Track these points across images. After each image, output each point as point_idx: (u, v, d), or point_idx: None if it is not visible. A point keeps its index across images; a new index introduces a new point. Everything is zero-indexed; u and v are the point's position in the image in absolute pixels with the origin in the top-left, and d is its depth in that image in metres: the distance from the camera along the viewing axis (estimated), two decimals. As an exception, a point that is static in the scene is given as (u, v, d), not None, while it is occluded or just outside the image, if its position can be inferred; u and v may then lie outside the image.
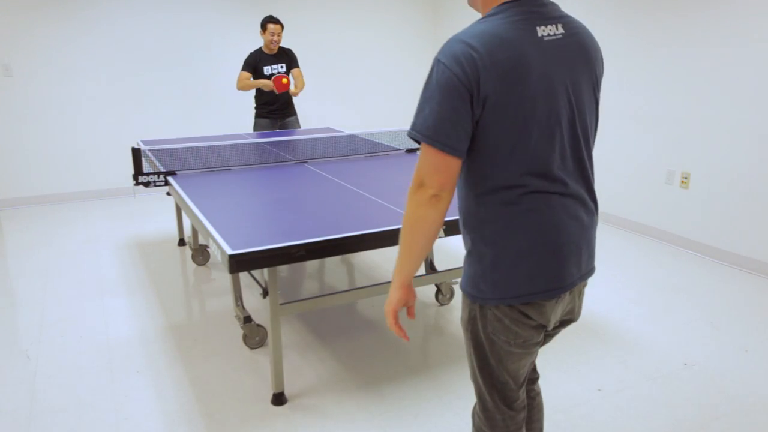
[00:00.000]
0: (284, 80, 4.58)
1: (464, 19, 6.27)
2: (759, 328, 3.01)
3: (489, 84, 1.21)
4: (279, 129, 4.96)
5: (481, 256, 1.34)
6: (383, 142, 4.17)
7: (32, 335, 2.96)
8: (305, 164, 3.50)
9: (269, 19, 4.57)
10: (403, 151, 3.89)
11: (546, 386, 2.50)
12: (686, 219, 4.18)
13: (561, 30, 1.28)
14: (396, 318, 1.42)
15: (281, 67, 4.75)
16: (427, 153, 1.25)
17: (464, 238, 1.42)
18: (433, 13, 6.82)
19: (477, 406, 1.53)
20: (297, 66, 4.84)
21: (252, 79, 4.67)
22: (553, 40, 1.26)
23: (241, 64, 5.94)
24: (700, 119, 4.00)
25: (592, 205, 1.40)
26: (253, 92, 5.10)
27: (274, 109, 4.86)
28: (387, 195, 2.72)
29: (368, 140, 4.30)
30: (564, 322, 1.49)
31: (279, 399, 2.38)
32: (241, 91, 5.01)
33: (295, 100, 5.26)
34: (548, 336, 1.54)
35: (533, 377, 1.65)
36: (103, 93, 5.55)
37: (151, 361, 2.71)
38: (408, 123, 6.94)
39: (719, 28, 3.79)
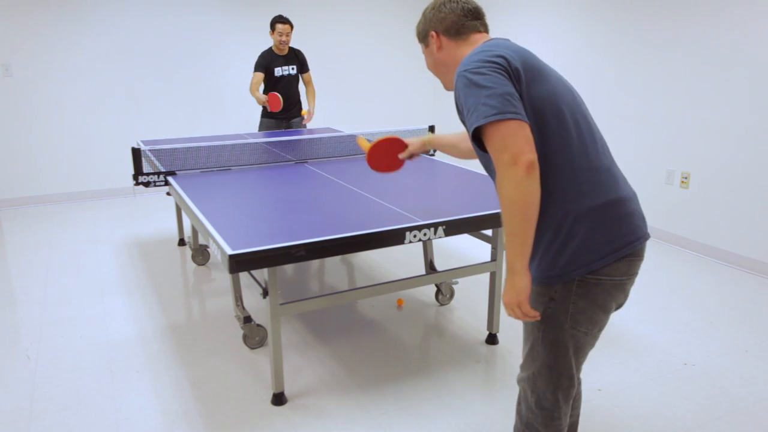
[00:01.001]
0: (280, 100, 4.58)
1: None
2: (759, 328, 3.01)
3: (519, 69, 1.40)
4: (284, 126, 4.95)
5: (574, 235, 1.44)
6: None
7: (32, 335, 2.96)
8: (305, 164, 3.50)
9: (278, 19, 4.52)
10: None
11: (546, 386, 2.50)
12: (686, 219, 4.18)
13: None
14: (527, 302, 1.40)
15: (292, 69, 4.72)
16: (500, 134, 1.32)
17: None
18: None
19: (531, 405, 1.57)
20: (308, 70, 4.82)
21: (264, 79, 4.65)
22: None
23: (241, 64, 5.99)
24: (699, 119, 4.00)
25: None
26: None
27: (280, 110, 4.83)
28: (387, 195, 2.72)
29: (368, 140, 4.30)
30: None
31: (279, 399, 2.38)
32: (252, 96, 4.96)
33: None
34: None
35: None
36: (103, 93, 5.55)
37: (150, 361, 2.71)
38: (408, 123, 6.94)
39: (719, 28, 3.79)
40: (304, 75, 4.84)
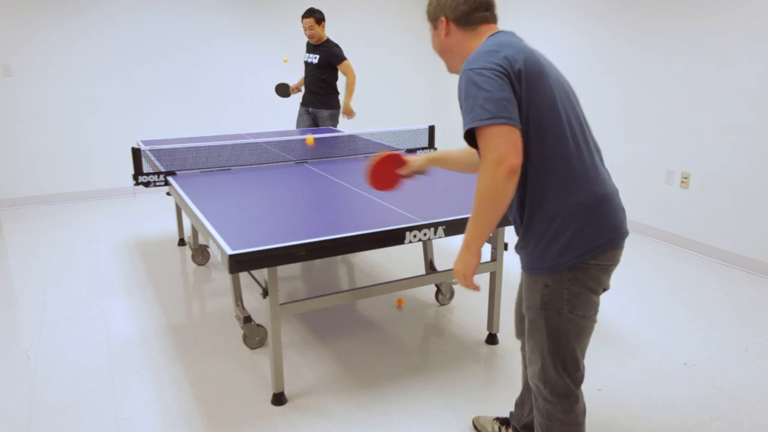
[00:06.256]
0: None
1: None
2: (759, 328, 3.01)
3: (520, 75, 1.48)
4: (312, 120, 5.09)
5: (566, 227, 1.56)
6: (383, 142, 4.17)
7: (32, 335, 2.96)
8: (305, 164, 3.50)
9: (303, 14, 4.80)
10: (404, 151, 3.89)
11: (546, 386, 2.50)
12: (686, 219, 4.18)
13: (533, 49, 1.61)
14: (472, 277, 1.58)
15: (314, 57, 4.91)
16: (492, 136, 1.40)
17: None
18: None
19: (547, 396, 1.64)
20: (342, 60, 4.84)
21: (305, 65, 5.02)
22: (535, 51, 1.58)
23: (242, 64, 6.00)
24: (699, 119, 4.00)
25: None
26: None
27: (304, 94, 5.08)
28: (387, 195, 2.72)
29: (368, 140, 4.30)
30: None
31: (279, 399, 2.38)
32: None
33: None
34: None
35: None
36: (103, 93, 5.55)
37: (150, 361, 2.71)
38: (407, 123, 6.94)
39: (719, 28, 3.79)
40: (339, 66, 4.88)
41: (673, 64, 4.12)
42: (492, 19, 1.65)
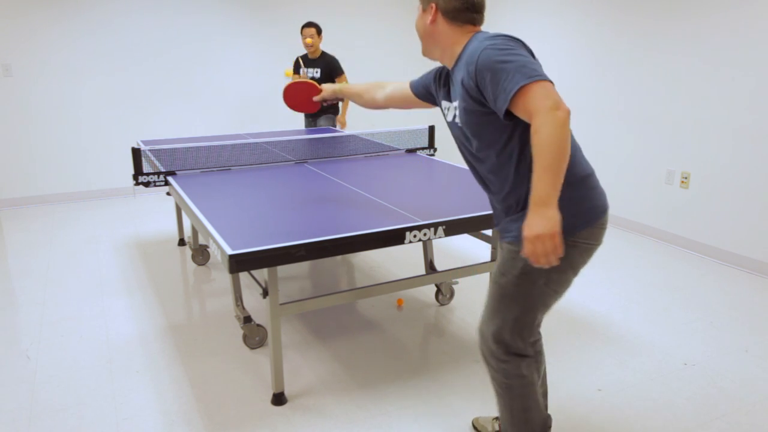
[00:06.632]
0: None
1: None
2: (759, 328, 3.01)
3: None
4: (313, 126, 5.12)
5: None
6: (383, 142, 4.17)
7: (32, 335, 2.96)
8: (305, 164, 3.50)
9: (303, 25, 4.76)
10: (403, 151, 3.89)
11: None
12: (686, 219, 4.18)
13: None
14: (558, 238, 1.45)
15: (316, 72, 4.85)
16: (544, 87, 1.45)
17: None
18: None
19: (501, 356, 1.74)
20: (340, 74, 4.89)
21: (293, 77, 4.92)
22: None
23: (242, 64, 6.00)
24: (699, 119, 4.00)
25: None
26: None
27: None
28: (387, 195, 2.72)
29: (368, 140, 4.30)
30: None
31: (279, 399, 2.38)
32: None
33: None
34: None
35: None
36: (103, 93, 5.55)
37: (150, 361, 2.71)
38: (406, 123, 6.94)
39: (719, 29, 3.79)
40: (339, 78, 4.92)
41: (673, 64, 4.12)
42: (478, 22, 1.71)
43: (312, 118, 5.17)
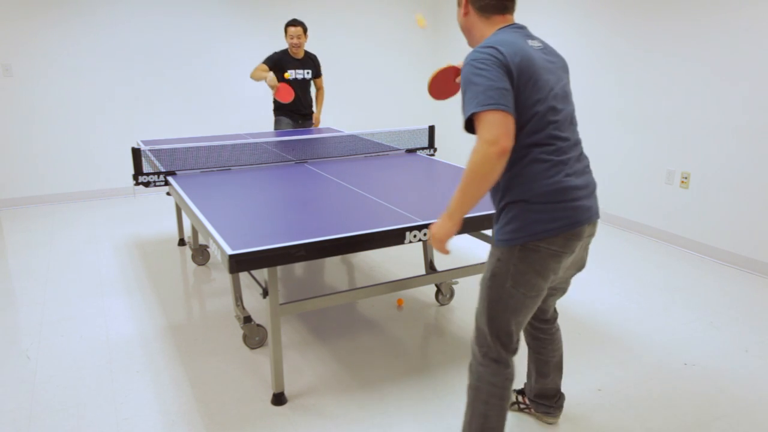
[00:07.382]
0: (292, 92, 4.50)
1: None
2: (759, 328, 3.01)
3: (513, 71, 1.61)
4: (300, 128, 4.95)
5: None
6: (383, 142, 4.17)
7: (32, 335, 2.97)
8: (305, 164, 3.50)
9: (290, 22, 4.54)
10: (403, 151, 3.89)
11: (546, 386, 2.50)
12: (686, 219, 4.18)
13: (539, 44, 1.76)
14: (447, 243, 1.73)
15: (307, 73, 4.73)
16: (492, 119, 1.54)
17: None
18: (434, 17, 6.82)
19: (480, 359, 1.80)
20: (320, 75, 4.84)
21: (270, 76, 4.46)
22: (538, 48, 1.73)
23: (242, 64, 5.99)
24: (699, 119, 4.00)
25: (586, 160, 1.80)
26: (271, 91, 5.05)
27: (293, 108, 4.81)
28: (387, 195, 2.72)
29: (368, 140, 4.30)
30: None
31: (279, 399, 2.38)
32: (252, 80, 4.94)
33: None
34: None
35: (554, 316, 2.10)
36: (103, 93, 5.55)
37: (150, 361, 2.71)
38: (406, 123, 6.94)
39: (719, 29, 3.79)
40: (316, 80, 4.86)
41: (674, 64, 4.12)
42: (508, 10, 1.76)
43: (297, 118, 4.89)
